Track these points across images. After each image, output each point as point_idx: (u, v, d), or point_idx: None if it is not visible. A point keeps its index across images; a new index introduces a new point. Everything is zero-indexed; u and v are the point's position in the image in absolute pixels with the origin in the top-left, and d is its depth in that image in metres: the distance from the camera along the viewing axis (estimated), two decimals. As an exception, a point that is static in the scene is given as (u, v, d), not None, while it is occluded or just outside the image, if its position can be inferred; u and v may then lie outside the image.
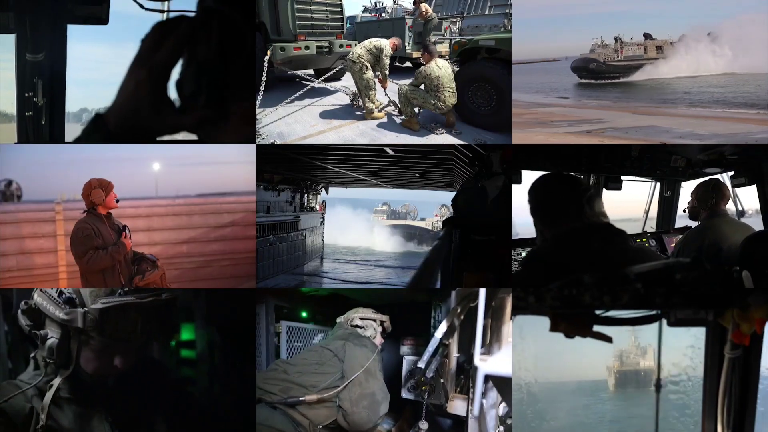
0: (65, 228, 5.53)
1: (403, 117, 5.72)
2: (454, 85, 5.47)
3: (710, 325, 3.54)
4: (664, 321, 2.88)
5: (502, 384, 3.07)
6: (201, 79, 2.05)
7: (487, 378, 3.12)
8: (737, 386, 3.49)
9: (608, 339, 2.29)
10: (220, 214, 6.23)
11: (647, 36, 17.17)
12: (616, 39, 16.87)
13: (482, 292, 3.13)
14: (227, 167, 5.92)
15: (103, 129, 2.34)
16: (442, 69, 5.43)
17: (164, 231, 6.03)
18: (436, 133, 5.49)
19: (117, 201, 3.94)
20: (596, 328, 2.31)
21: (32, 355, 2.35)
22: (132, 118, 2.30)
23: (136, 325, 2.25)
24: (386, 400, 3.37)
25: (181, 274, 5.93)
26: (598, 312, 2.29)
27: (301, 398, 3.14)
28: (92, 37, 4.99)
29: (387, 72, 6.01)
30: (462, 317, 3.40)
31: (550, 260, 2.29)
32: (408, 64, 8.68)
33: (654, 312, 2.37)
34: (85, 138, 2.42)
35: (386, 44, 5.90)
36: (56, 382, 2.25)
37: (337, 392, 3.21)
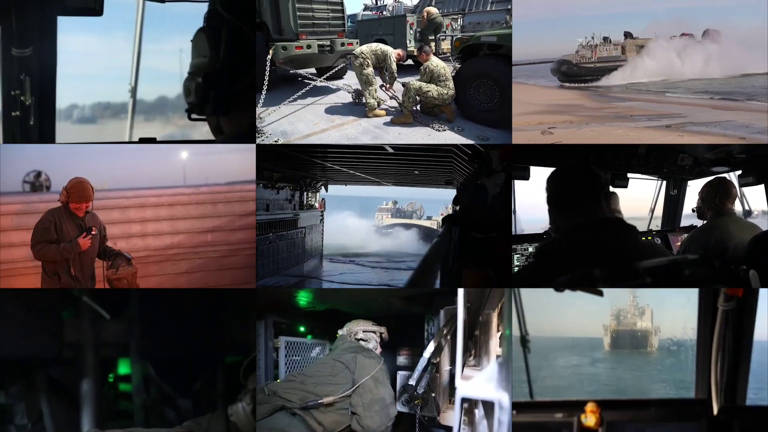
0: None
1: (395, 115, 5.87)
2: None
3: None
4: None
5: (486, 406, 3.03)
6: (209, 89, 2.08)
7: (464, 401, 3.09)
8: (731, 339, 3.42)
9: (599, 293, 2.23)
10: (246, 202, 6.17)
11: (628, 35, 16.51)
12: (605, 39, 16.03)
13: (460, 312, 3.10)
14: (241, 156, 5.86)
15: None
16: (440, 63, 5.80)
17: (188, 220, 6.03)
18: (438, 130, 5.50)
19: (87, 212, 3.86)
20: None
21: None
22: None
23: None
24: (395, 404, 3.63)
25: (206, 263, 5.99)
26: None
27: (319, 401, 3.40)
28: (81, 27, 4.69)
29: (396, 75, 6.18)
30: (449, 337, 3.47)
31: (559, 255, 2.24)
32: (410, 61, 8.66)
33: None
34: None
35: (392, 51, 6.15)
36: None
37: (347, 394, 3.48)
